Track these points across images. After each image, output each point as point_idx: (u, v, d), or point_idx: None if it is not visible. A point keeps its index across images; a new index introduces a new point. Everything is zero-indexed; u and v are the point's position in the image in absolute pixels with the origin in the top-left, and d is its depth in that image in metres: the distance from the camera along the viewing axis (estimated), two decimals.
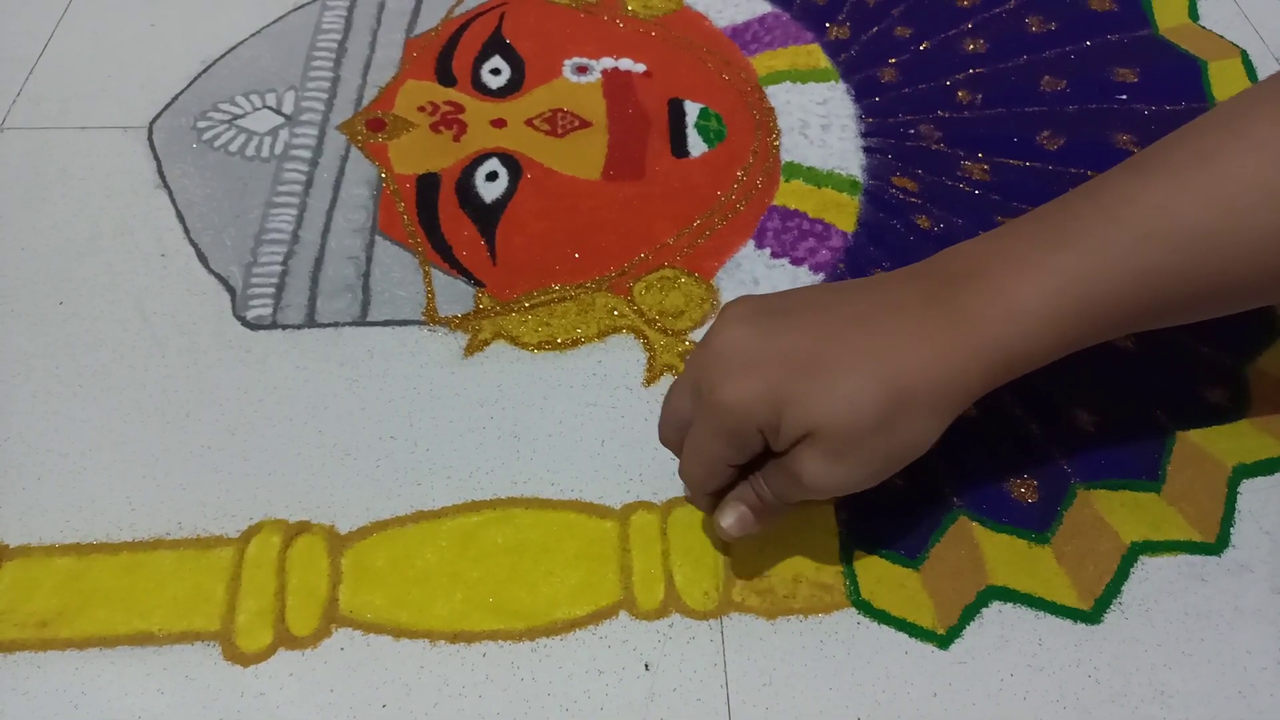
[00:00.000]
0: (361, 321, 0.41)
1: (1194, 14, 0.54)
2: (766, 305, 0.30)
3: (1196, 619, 0.33)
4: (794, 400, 0.28)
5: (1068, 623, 0.33)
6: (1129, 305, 0.29)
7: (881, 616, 0.33)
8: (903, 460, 0.29)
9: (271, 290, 0.42)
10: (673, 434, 0.32)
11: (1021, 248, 0.30)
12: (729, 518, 0.31)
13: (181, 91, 0.50)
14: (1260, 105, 0.30)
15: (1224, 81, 0.50)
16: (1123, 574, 0.34)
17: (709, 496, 0.32)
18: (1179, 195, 0.29)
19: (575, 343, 0.41)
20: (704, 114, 0.49)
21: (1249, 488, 0.36)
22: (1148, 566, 0.34)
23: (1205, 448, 0.37)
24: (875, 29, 0.54)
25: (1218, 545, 0.35)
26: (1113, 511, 0.36)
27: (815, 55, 0.53)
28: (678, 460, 0.32)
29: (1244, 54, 0.51)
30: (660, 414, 0.33)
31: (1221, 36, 0.53)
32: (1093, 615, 0.33)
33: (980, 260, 0.30)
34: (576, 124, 0.49)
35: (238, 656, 0.33)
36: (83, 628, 0.33)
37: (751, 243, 0.44)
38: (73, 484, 0.37)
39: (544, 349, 0.41)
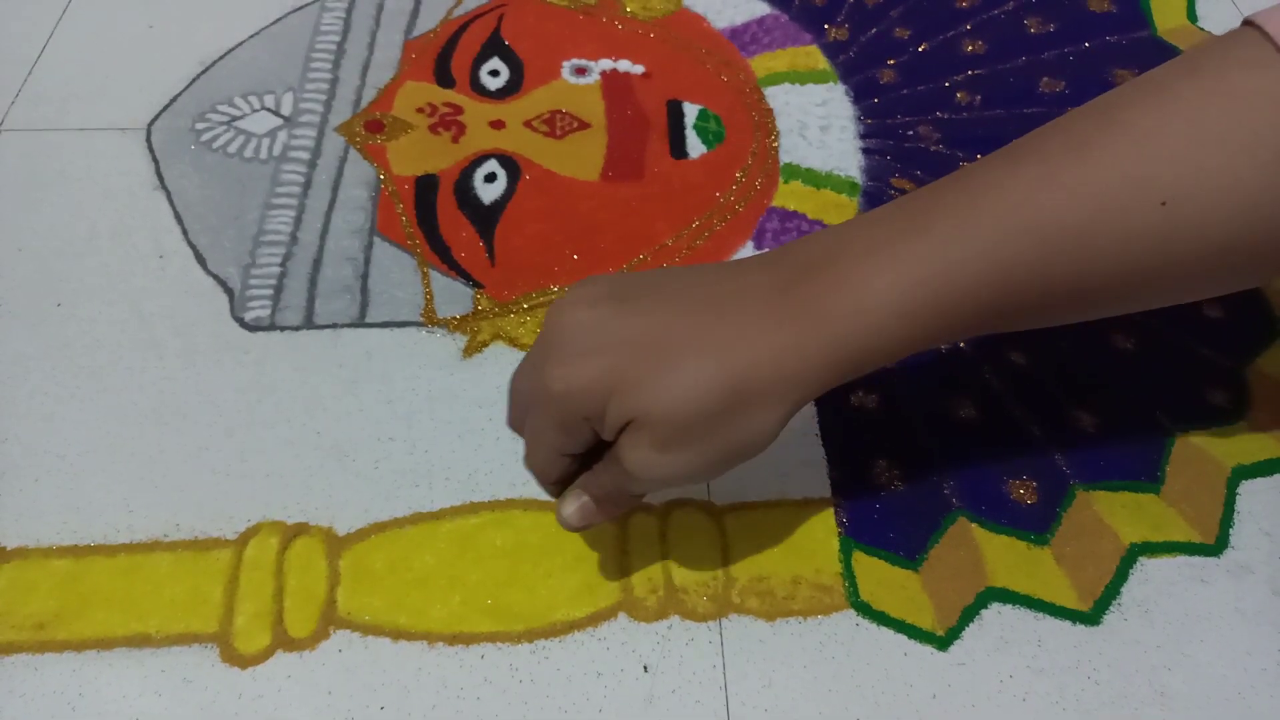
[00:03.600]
0: (360, 323, 0.41)
1: (1192, 15, 0.54)
2: (612, 289, 0.29)
3: (1196, 620, 0.33)
4: (622, 388, 0.26)
5: (1067, 624, 0.33)
6: (988, 301, 0.27)
7: (881, 618, 0.33)
8: (741, 454, 0.28)
9: (270, 292, 0.42)
10: (518, 420, 0.31)
11: (877, 236, 0.28)
12: (569, 507, 0.30)
13: (180, 93, 0.50)
14: (1142, 94, 0.28)
15: None
16: (1122, 575, 0.34)
17: (554, 485, 0.31)
18: (1047, 186, 0.27)
19: None
20: (703, 115, 0.49)
21: (1248, 489, 0.36)
22: (1147, 568, 0.34)
23: (1205, 449, 0.37)
24: (874, 30, 0.54)
25: (1217, 546, 0.35)
26: (1112, 512, 0.36)
27: (814, 56, 0.53)
28: None
29: None
30: (507, 398, 0.31)
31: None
32: (1092, 616, 0.33)
33: (833, 249, 0.28)
34: (575, 125, 0.49)
35: (235, 658, 0.33)
36: (80, 630, 0.33)
37: (750, 244, 0.44)
38: (70, 486, 0.36)
39: None
